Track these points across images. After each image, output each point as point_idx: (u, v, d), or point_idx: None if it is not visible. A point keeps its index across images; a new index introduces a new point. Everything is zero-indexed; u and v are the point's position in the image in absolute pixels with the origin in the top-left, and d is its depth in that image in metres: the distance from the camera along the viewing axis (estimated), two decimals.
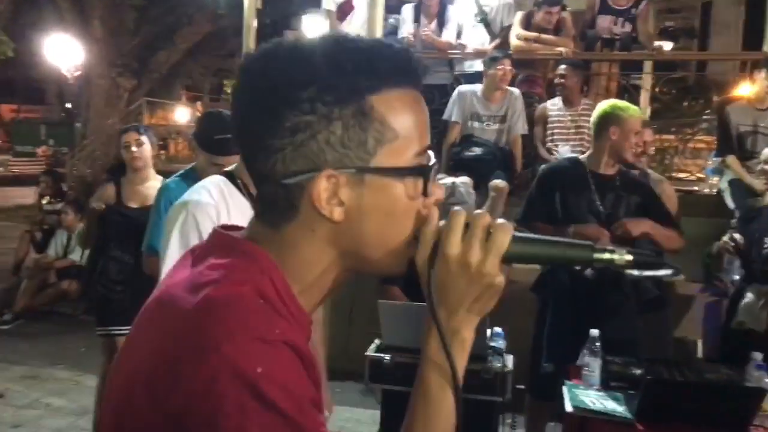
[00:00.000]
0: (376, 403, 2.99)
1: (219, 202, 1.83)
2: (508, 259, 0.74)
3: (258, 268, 0.73)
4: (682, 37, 11.55)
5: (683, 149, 6.76)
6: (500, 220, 0.75)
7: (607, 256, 0.74)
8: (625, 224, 2.89)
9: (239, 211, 1.82)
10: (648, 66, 6.55)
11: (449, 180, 3.82)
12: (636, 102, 6.28)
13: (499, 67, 4.52)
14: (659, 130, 6.64)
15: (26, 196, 12.34)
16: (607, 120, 3.03)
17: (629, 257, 0.74)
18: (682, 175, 6.17)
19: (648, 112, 6.92)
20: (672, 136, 6.97)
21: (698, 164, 6.57)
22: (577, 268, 2.99)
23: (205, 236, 1.90)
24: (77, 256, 6.30)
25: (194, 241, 1.76)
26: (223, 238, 0.80)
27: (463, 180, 4.26)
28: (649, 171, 3.85)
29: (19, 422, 4.02)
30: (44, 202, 7.23)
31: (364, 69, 0.72)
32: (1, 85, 28.23)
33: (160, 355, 0.68)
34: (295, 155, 0.72)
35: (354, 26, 5.62)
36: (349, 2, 5.54)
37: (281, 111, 0.72)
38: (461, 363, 0.77)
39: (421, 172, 0.75)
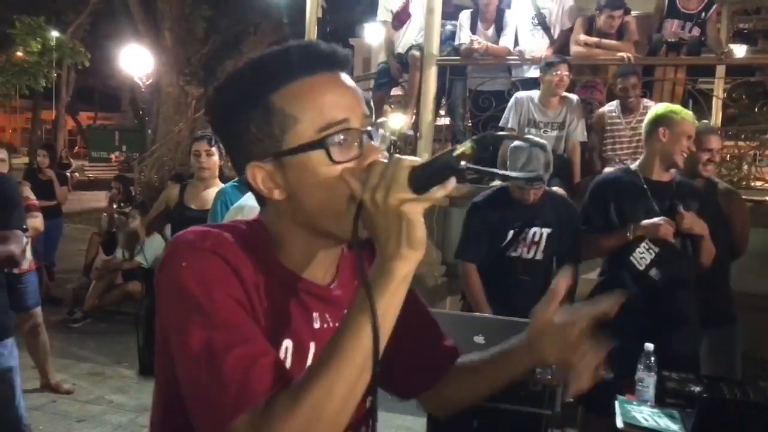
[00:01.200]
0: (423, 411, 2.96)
1: None
2: (417, 188, 0.80)
3: (249, 228, 0.95)
4: (762, 39, 11.01)
5: (760, 157, 6.43)
6: (400, 157, 0.83)
7: (459, 149, 0.82)
8: (683, 215, 2.82)
9: None
10: (720, 71, 6.28)
11: (526, 143, 3.57)
12: (705, 108, 6.05)
13: (556, 72, 4.42)
14: (733, 137, 6.36)
15: (101, 200, 12.87)
16: (657, 122, 2.95)
17: (473, 143, 0.82)
18: (758, 183, 5.87)
19: (719, 118, 6.64)
20: (746, 143, 6.65)
21: None
22: (641, 269, 2.94)
23: None
24: (143, 258, 6.51)
25: None
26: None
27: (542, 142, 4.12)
28: (718, 181, 3.67)
29: (83, 417, 4.18)
30: (114, 206, 7.54)
31: (261, 75, 0.90)
32: (80, 94, 29.76)
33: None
34: (238, 158, 0.94)
35: (410, 34, 5.63)
36: (405, 10, 5.55)
37: (223, 125, 0.95)
38: (387, 290, 0.82)
39: (319, 143, 0.87)
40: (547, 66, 4.46)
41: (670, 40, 5.10)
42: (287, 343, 0.93)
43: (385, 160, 0.85)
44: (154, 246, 6.54)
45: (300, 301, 0.95)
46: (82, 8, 19.25)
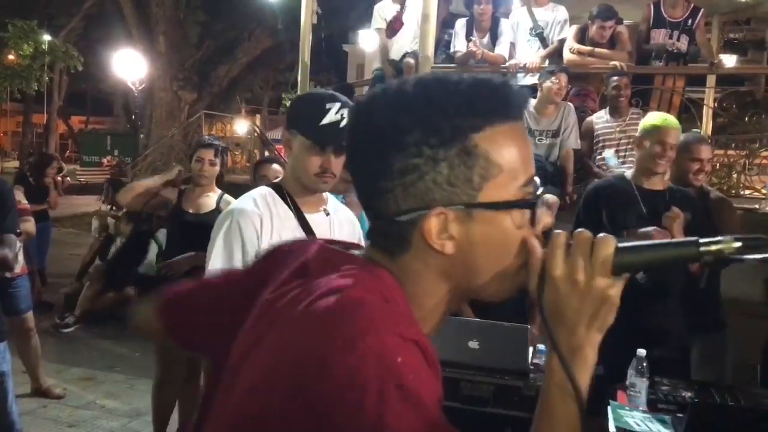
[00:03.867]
0: None
1: (263, 211, 1.91)
2: (617, 271, 0.75)
3: (383, 284, 0.78)
4: (751, 49, 11.13)
5: (749, 166, 6.50)
6: (601, 235, 0.76)
7: (714, 247, 0.73)
8: (672, 213, 2.87)
9: (281, 220, 1.90)
10: (711, 80, 6.35)
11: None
12: (696, 117, 6.11)
13: (554, 80, 4.47)
14: (724, 145, 6.42)
15: (92, 204, 12.84)
16: (642, 131, 3.04)
17: (737, 243, 0.72)
18: (747, 192, 5.93)
19: (710, 127, 6.70)
20: (736, 152, 6.72)
21: (764, 181, 6.31)
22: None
23: (248, 241, 1.96)
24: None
25: (237, 244, 1.87)
26: (344, 255, 0.85)
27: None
28: (710, 189, 3.72)
29: (75, 422, 4.17)
30: (104, 208, 7.52)
31: (465, 110, 0.76)
32: (72, 98, 29.67)
33: (303, 351, 0.70)
34: (406, 195, 0.77)
35: (403, 42, 5.67)
36: (399, 19, 5.59)
37: (389, 155, 0.77)
38: (584, 379, 0.76)
39: (528, 204, 0.79)
40: (548, 73, 4.50)
41: (668, 49, 5.15)
42: None
43: (560, 231, 0.78)
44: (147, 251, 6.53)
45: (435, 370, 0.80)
46: (75, 12, 19.23)
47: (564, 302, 0.75)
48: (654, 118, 3.11)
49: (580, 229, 0.76)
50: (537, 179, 0.81)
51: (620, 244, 0.75)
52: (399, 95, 0.78)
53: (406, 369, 0.67)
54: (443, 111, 0.75)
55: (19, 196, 4.33)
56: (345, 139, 0.86)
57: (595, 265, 0.74)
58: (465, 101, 0.76)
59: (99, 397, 4.55)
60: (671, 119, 3.12)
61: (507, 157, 0.77)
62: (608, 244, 0.75)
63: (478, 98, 0.77)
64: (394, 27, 5.62)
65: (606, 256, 0.74)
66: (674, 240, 0.77)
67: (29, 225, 4.35)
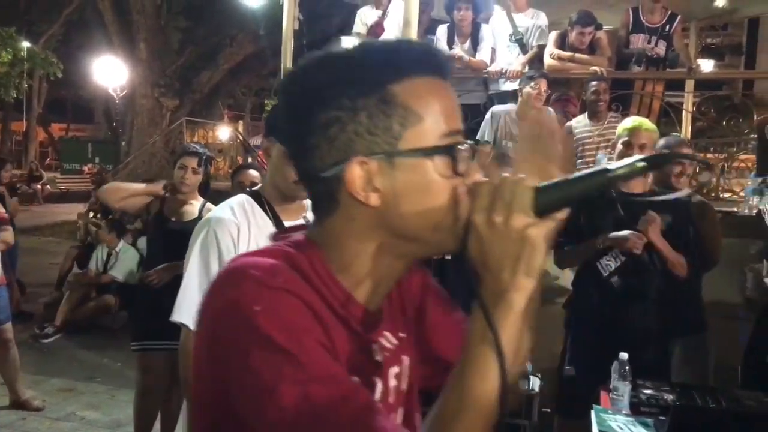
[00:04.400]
0: None
1: (241, 220, 1.90)
2: (538, 210, 0.74)
3: (301, 250, 0.82)
4: (728, 54, 11.31)
5: (728, 169, 6.59)
6: (520, 176, 0.75)
7: (622, 171, 0.75)
8: (648, 218, 2.89)
9: (260, 229, 1.89)
10: (689, 85, 6.42)
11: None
12: (676, 121, 6.18)
13: (534, 85, 4.49)
14: (702, 149, 6.49)
15: (73, 212, 12.69)
16: (618, 135, 3.12)
17: (643, 164, 0.75)
18: (726, 194, 6.00)
19: (689, 131, 6.78)
20: (715, 155, 6.81)
21: (742, 184, 6.40)
22: (604, 275, 2.99)
23: (224, 250, 1.97)
24: (117, 272, 6.44)
25: (213, 254, 1.88)
26: (282, 236, 0.90)
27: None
28: (690, 192, 3.75)
29: None
30: (90, 216, 7.44)
31: (383, 62, 0.79)
32: (52, 105, 29.38)
33: (199, 315, 0.81)
34: (330, 148, 0.79)
35: None
36: (380, 24, 5.60)
37: (313, 111, 0.79)
38: (507, 324, 0.74)
39: (447, 150, 0.79)
40: (528, 79, 4.53)
41: (647, 54, 5.21)
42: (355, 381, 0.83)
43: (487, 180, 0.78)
44: (127, 259, 6.47)
45: (360, 332, 0.84)
46: (55, 18, 19.08)
47: (486, 247, 0.74)
48: (628, 121, 3.17)
49: (504, 175, 0.76)
50: (462, 137, 0.82)
51: (540, 185, 0.75)
52: (322, 58, 0.81)
53: (263, 315, 0.72)
54: (362, 65, 0.79)
55: None
56: (278, 108, 0.90)
57: (513, 206, 0.73)
58: (384, 56, 0.80)
59: (79, 409, 4.48)
60: (645, 121, 3.17)
61: (426, 107, 0.79)
62: (524, 184, 0.74)
63: (397, 53, 0.80)
64: (375, 32, 5.62)
65: (521, 195, 0.73)
66: (586, 171, 0.76)
67: (7, 234, 4.29)
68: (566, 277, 4.06)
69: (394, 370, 0.90)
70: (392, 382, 0.90)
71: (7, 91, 16.51)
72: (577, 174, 0.77)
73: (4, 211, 4.41)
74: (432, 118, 0.79)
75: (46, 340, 6.06)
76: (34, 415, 4.36)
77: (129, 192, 3.67)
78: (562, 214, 0.76)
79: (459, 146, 0.79)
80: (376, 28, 5.64)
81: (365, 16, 5.68)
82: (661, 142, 3.43)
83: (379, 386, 0.87)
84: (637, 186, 3.07)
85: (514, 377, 0.76)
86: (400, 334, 0.92)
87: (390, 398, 0.89)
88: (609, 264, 3.04)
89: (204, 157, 3.56)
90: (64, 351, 5.86)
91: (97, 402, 4.64)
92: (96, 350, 5.80)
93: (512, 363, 0.74)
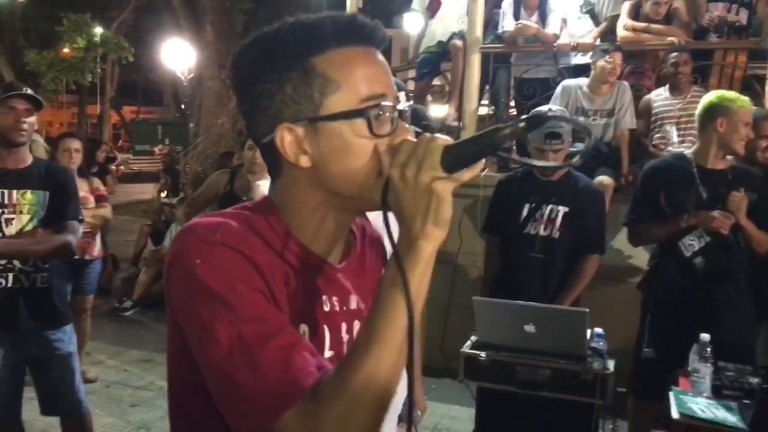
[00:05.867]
0: (471, 400, 2.96)
1: None
2: (446, 167, 0.80)
3: (259, 211, 0.92)
4: None
5: None
6: (434, 135, 0.83)
7: (507, 130, 0.81)
8: (735, 195, 2.82)
9: None
10: None
11: (545, 108, 3.64)
12: (761, 92, 5.85)
13: (609, 59, 4.33)
14: None
15: (145, 192, 13.17)
16: (714, 111, 2.92)
17: (523, 123, 0.82)
18: None
19: None
20: None
21: None
22: (686, 255, 2.93)
23: None
24: None
25: None
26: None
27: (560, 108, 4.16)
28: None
29: (136, 402, 4.30)
30: (162, 196, 7.71)
31: (304, 38, 0.87)
32: (123, 88, 30.37)
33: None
34: (264, 118, 0.89)
35: (449, 22, 5.59)
36: (437, 0, 5.54)
37: (250, 85, 0.90)
38: (417, 269, 0.81)
39: (362, 113, 0.86)
40: (602, 52, 4.36)
41: (731, 22, 4.90)
42: (303, 328, 0.92)
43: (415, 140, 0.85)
44: None
45: (311, 282, 0.93)
46: (126, 4, 19.66)
47: (400, 199, 0.82)
48: (727, 98, 2.97)
49: (426, 135, 0.83)
50: (389, 98, 0.88)
51: (449, 144, 0.82)
52: (256, 37, 0.90)
53: (202, 267, 0.82)
54: (285, 41, 0.87)
55: (97, 183, 4.51)
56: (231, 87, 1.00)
57: (423, 162, 0.80)
58: (305, 32, 0.87)
59: (157, 379, 4.67)
60: (744, 98, 3.02)
61: (345, 75, 0.86)
62: (434, 142, 0.81)
63: (318, 27, 0.87)
64: (432, 8, 5.56)
65: (430, 152, 0.80)
66: (484, 131, 0.83)
67: (107, 210, 4.53)
68: (640, 257, 3.95)
69: (344, 326, 0.98)
70: (345, 336, 0.98)
71: (84, 75, 17.17)
72: (478, 133, 0.84)
73: (103, 188, 4.63)
74: (350, 85, 0.86)
75: (124, 314, 6.35)
76: (117, 383, 4.59)
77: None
78: (470, 173, 0.82)
79: (375, 109, 0.86)
80: (433, 2, 5.57)
81: None
82: None
83: (327, 334, 0.95)
84: (719, 162, 2.95)
85: (418, 318, 0.82)
86: (361, 305, 1.01)
87: (343, 348, 0.97)
88: (692, 244, 2.94)
89: None
90: (142, 324, 6.12)
91: None
92: None
93: (417, 304, 0.80)
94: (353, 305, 0.99)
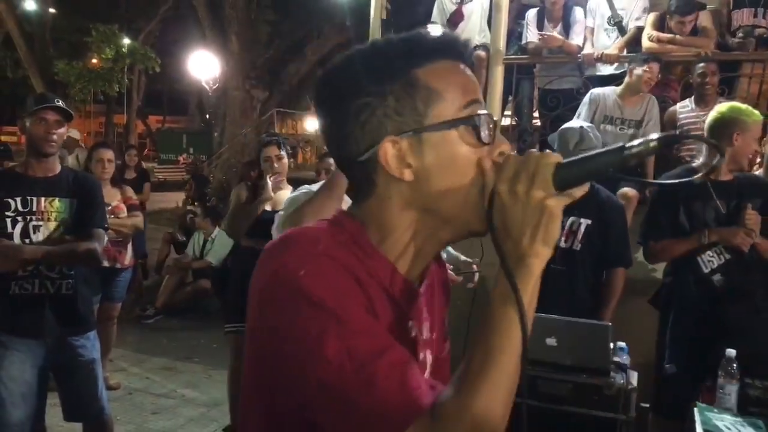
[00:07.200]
0: None
1: None
2: (559, 185, 0.79)
3: (345, 227, 0.89)
4: None
5: None
6: (545, 152, 0.81)
7: (636, 149, 0.78)
8: (751, 214, 2.82)
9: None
10: None
11: (577, 123, 3.57)
12: None
13: (647, 68, 4.29)
14: None
15: (169, 200, 13.31)
16: (730, 125, 2.88)
17: (654, 142, 0.78)
18: None
19: None
20: None
21: None
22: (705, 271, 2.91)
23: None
24: (213, 257, 6.70)
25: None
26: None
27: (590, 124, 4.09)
28: None
29: (157, 409, 4.34)
30: (188, 206, 7.79)
31: (405, 52, 0.87)
32: (149, 98, 30.85)
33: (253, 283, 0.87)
34: (363, 134, 0.87)
35: (471, 34, 5.58)
36: (459, 12, 5.53)
37: (346, 101, 0.87)
38: (528, 288, 0.79)
39: (467, 120, 0.85)
40: (642, 61, 4.32)
41: (761, 29, 4.80)
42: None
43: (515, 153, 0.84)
44: (222, 245, 6.73)
45: (400, 304, 0.90)
46: (153, 15, 19.96)
47: (508, 214, 0.80)
48: (743, 111, 2.93)
49: (531, 151, 0.81)
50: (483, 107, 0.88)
51: (563, 161, 0.80)
52: (350, 54, 0.89)
53: (307, 278, 0.78)
54: (386, 55, 0.87)
55: (129, 192, 4.55)
56: (315, 107, 0.95)
57: (534, 178, 0.79)
58: (404, 45, 0.88)
59: (179, 387, 4.72)
60: (755, 112, 2.99)
61: (446, 85, 0.86)
62: (547, 158, 0.79)
63: (416, 42, 0.88)
64: (454, 20, 5.56)
65: (543, 169, 0.79)
66: (604, 149, 0.81)
67: (138, 219, 4.57)
68: (661, 270, 3.89)
69: (420, 354, 0.95)
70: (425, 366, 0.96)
71: (111, 86, 17.43)
72: (596, 151, 0.81)
73: (135, 197, 4.67)
74: (451, 94, 0.86)
75: (147, 321, 6.41)
76: (139, 390, 4.63)
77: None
78: (581, 191, 0.80)
79: (478, 113, 0.86)
80: (455, 15, 5.58)
81: (444, 3, 5.62)
82: None
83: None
84: (725, 174, 2.95)
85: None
86: (433, 334, 0.99)
87: (424, 372, 0.94)
88: (711, 260, 2.91)
89: (279, 141, 3.70)
90: (164, 332, 6.17)
91: (195, 381, 4.87)
92: (193, 331, 6.08)
93: (528, 324, 0.78)
94: (425, 334, 0.97)
